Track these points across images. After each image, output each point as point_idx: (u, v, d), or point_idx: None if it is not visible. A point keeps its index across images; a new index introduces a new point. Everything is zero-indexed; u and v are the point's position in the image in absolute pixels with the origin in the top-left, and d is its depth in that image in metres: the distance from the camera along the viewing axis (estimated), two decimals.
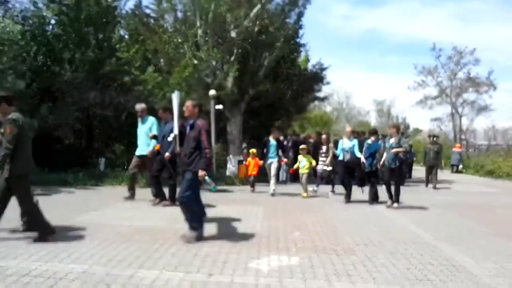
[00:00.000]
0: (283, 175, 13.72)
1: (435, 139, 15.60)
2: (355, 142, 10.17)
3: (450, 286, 4.17)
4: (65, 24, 13.66)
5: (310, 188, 11.17)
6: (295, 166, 11.12)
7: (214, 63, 14.26)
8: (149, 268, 4.45)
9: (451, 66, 30.29)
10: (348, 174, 10.05)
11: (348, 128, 10.74)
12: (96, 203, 8.68)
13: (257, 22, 14.92)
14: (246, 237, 6.08)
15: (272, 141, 11.11)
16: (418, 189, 13.62)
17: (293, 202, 9.78)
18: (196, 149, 5.69)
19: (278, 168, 11.80)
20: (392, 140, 9.29)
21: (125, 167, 14.85)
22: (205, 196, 10.15)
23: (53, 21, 14.27)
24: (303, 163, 10.73)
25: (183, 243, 5.53)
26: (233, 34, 14.54)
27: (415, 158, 18.51)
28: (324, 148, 11.95)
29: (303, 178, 10.68)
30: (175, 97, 6.48)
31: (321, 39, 76.10)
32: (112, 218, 7.19)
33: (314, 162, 11.12)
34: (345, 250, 5.42)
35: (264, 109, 18.82)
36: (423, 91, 31.50)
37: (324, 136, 12.30)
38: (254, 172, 11.63)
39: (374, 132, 10.80)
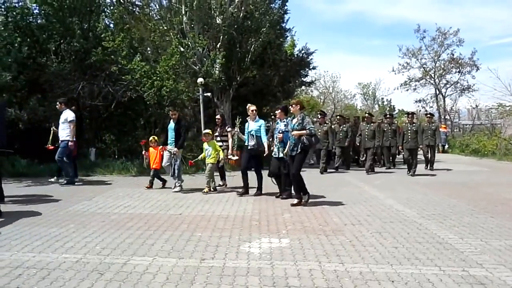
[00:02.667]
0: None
1: (428, 116, 14.88)
2: (261, 123, 8.60)
3: (438, 264, 4.21)
4: (49, 14, 13.52)
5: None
6: (200, 156, 9.36)
7: (200, 50, 14.23)
8: (142, 255, 4.50)
9: (435, 47, 30.40)
10: (250, 163, 8.55)
11: (252, 107, 8.64)
12: (88, 193, 8.71)
13: (242, 8, 14.88)
14: (237, 220, 6.19)
15: (171, 123, 9.11)
16: (404, 170, 13.71)
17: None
18: None
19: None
20: (295, 121, 7.37)
21: (116, 156, 14.91)
22: (196, 181, 10.28)
23: (36, 11, 14.12)
24: (208, 152, 8.96)
25: (175, 229, 5.63)
26: (218, 20, 14.49)
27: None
28: (218, 130, 9.87)
29: (207, 169, 8.94)
30: None
31: (306, 24, 75.56)
32: (105, 206, 7.24)
33: (221, 151, 9.11)
34: (333, 230, 5.53)
35: (252, 95, 18.86)
36: (407, 73, 31.62)
37: (218, 116, 10.28)
38: (156, 165, 9.47)
39: (281, 108, 8.17)
